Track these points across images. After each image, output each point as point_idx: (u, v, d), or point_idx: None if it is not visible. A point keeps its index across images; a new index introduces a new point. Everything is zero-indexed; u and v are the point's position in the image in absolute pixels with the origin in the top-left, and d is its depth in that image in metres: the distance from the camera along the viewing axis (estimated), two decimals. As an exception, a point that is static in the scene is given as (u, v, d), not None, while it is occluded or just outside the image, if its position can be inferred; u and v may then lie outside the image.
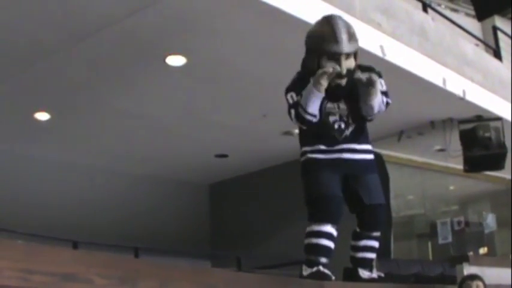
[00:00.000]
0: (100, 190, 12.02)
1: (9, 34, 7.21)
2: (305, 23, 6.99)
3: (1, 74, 8.26)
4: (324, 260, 4.53)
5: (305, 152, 4.72)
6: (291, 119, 4.60)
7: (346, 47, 4.49)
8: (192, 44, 7.64)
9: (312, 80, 4.45)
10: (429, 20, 9.45)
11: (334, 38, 4.47)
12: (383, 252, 10.34)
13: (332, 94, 4.57)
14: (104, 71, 8.33)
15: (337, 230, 4.56)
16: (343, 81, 4.56)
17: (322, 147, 4.62)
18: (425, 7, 9.81)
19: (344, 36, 4.48)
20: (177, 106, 9.55)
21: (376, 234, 4.82)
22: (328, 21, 4.61)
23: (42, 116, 9.64)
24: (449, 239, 12.63)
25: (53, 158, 11.33)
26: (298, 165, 4.80)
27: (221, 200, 13.86)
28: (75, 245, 8.19)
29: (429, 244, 14.05)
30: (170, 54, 7.89)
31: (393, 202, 11.45)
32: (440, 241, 12.70)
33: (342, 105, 4.66)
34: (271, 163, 12.35)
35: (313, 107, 4.45)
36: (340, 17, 4.67)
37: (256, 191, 13.02)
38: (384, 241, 10.46)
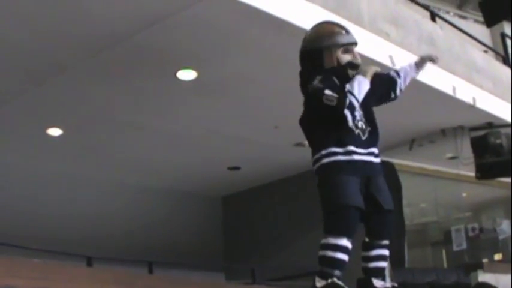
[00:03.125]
0: (113, 203, 12.06)
1: (23, 50, 7.27)
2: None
3: (14, 90, 8.32)
4: (337, 272, 4.50)
5: (319, 159, 4.61)
6: (320, 102, 4.48)
7: (355, 37, 4.77)
8: (203, 58, 7.68)
9: (361, 72, 4.63)
10: (437, 28, 9.48)
11: (346, 30, 4.75)
12: (397, 261, 10.36)
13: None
14: (116, 86, 8.38)
15: (352, 242, 4.53)
16: (354, 73, 4.66)
17: (334, 149, 4.58)
18: (433, 16, 9.84)
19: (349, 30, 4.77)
20: (188, 119, 9.60)
21: (386, 242, 4.78)
22: (327, 22, 4.93)
23: (55, 131, 9.71)
24: (464, 246, 12.60)
25: (65, 173, 11.39)
26: (310, 176, 4.75)
27: (234, 212, 13.88)
28: (89, 261, 8.20)
29: (443, 252, 14.02)
30: (181, 69, 7.94)
31: (406, 210, 11.45)
32: (455, 248, 12.67)
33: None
34: (283, 175, 12.38)
35: (361, 95, 4.57)
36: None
37: (268, 202, 13.03)
38: (398, 250, 10.48)
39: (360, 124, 4.64)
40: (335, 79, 4.60)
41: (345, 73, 4.65)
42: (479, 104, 9.63)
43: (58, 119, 9.36)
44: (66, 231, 10.92)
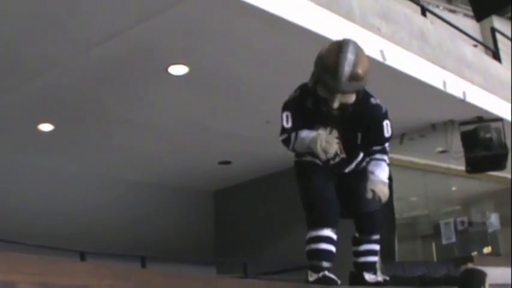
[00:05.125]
0: (105, 199, 12.08)
1: (14, 46, 7.28)
2: (306, 31, 7.11)
3: (6, 85, 8.32)
4: (326, 264, 4.55)
5: (299, 154, 4.72)
6: (280, 137, 4.63)
7: (344, 86, 4.27)
8: (194, 53, 7.70)
9: (313, 142, 4.38)
10: (428, 23, 9.51)
11: (335, 74, 4.25)
12: (387, 255, 10.40)
13: (323, 118, 4.54)
14: (107, 82, 8.39)
15: (336, 233, 4.58)
16: (335, 111, 4.42)
17: (317, 161, 4.64)
18: (424, 11, 9.88)
19: (345, 75, 4.23)
20: (180, 114, 9.61)
21: (376, 237, 4.85)
22: (338, 52, 4.30)
23: (46, 127, 9.72)
24: (453, 239, 12.64)
25: (57, 168, 11.41)
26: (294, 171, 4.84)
27: (225, 206, 13.91)
28: (82, 256, 8.23)
29: (433, 245, 14.07)
30: (172, 64, 7.96)
31: (396, 204, 11.48)
32: (444, 241, 12.72)
33: (335, 132, 4.59)
34: (274, 169, 12.38)
35: (301, 151, 4.57)
36: (353, 50, 4.33)
37: (260, 196, 13.06)
38: (388, 244, 10.52)
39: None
40: (309, 101, 4.54)
41: (318, 102, 4.49)
42: (470, 99, 9.67)
43: (49, 114, 9.36)
44: (58, 226, 10.92)
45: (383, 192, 4.46)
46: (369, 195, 4.45)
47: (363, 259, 4.86)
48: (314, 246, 4.56)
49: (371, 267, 4.90)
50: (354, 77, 4.25)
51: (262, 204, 12.98)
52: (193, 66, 8.04)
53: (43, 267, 2.39)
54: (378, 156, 4.61)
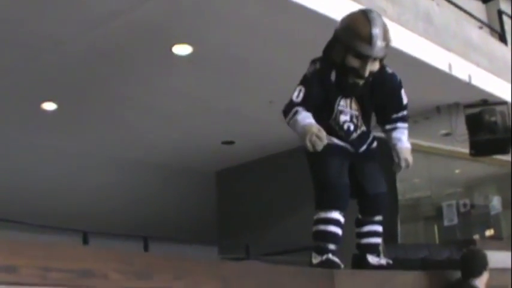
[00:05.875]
0: (107, 178, 12.08)
1: (17, 26, 7.23)
2: (311, 11, 7.07)
3: (9, 65, 8.28)
4: (332, 246, 4.56)
5: None
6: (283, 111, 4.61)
7: (378, 52, 4.38)
8: (198, 33, 7.65)
9: (303, 131, 4.37)
10: (434, 5, 9.44)
11: (369, 40, 4.33)
12: (390, 237, 10.40)
13: (347, 90, 4.56)
14: (111, 61, 8.35)
15: (344, 216, 4.59)
16: (361, 81, 4.50)
17: (334, 140, 4.60)
18: (430, -8, 9.79)
19: (379, 40, 4.35)
20: (183, 94, 9.57)
21: (379, 218, 4.83)
22: (368, 20, 4.40)
23: (49, 105, 9.69)
24: (455, 221, 12.65)
25: (60, 147, 11.39)
26: (303, 152, 4.79)
27: (228, 186, 13.90)
28: (85, 236, 8.23)
29: (435, 227, 14.09)
30: (176, 44, 7.92)
31: (399, 185, 11.46)
32: (446, 223, 12.73)
33: (354, 105, 4.63)
34: (278, 149, 12.37)
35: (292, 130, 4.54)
36: (379, 16, 4.51)
37: (263, 177, 13.06)
38: (391, 226, 10.51)
39: (347, 126, 4.62)
40: (332, 75, 4.55)
41: (345, 75, 4.52)
42: (475, 82, 9.62)
43: (53, 93, 9.33)
44: (60, 206, 10.93)
45: (411, 158, 4.64)
46: (403, 163, 4.61)
47: (365, 240, 4.85)
48: (322, 227, 4.55)
49: (374, 249, 4.89)
50: (386, 39, 4.43)
51: (266, 185, 12.97)
52: (197, 46, 8.00)
53: (45, 251, 2.38)
54: (400, 124, 4.73)
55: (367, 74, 4.43)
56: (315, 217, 4.60)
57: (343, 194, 4.55)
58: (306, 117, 4.41)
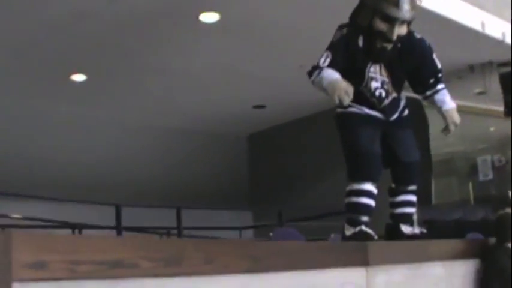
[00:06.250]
0: (138, 146, 12.15)
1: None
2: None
3: (37, 38, 8.33)
4: (365, 218, 4.50)
5: (348, 105, 4.62)
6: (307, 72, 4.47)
7: (405, 14, 4.26)
8: (225, 0, 7.60)
9: (329, 85, 4.22)
10: (466, -39, 9.26)
11: (396, 2, 4.23)
12: (424, 197, 10.35)
13: (376, 56, 4.49)
14: (138, 31, 8.36)
15: (376, 187, 4.54)
16: (389, 46, 4.43)
17: (364, 109, 4.53)
18: (462, -51, 9.60)
19: (406, 3, 4.23)
20: (212, 60, 9.56)
21: (412, 188, 4.76)
22: None
23: (78, 77, 9.74)
24: (490, 176, 12.54)
25: (90, 117, 11.48)
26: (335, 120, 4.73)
27: (260, 149, 13.92)
28: (117, 208, 8.26)
29: (470, 184, 13.98)
30: (203, 12, 7.88)
31: (432, 143, 11.38)
32: (481, 178, 12.62)
33: (384, 72, 4.56)
34: (309, 112, 12.32)
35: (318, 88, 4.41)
36: None
37: (295, 140, 13.05)
38: (425, 187, 10.45)
39: (378, 92, 4.54)
40: (360, 40, 4.48)
41: (372, 39, 4.40)
42: (509, 40, 9.45)
43: (81, 64, 9.38)
44: (92, 175, 11.05)
45: (458, 118, 4.57)
46: (452, 126, 4.53)
47: (399, 210, 4.78)
48: (354, 199, 4.49)
49: (408, 219, 4.82)
50: (413, 3, 4.28)
51: (297, 148, 12.96)
52: (224, 13, 7.97)
53: (74, 244, 2.36)
54: (439, 86, 4.62)
55: (395, 37, 4.32)
56: (347, 188, 4.54)
57: (375, 164, 4.48)
58: (332, 73, 4.35)
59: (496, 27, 9.22)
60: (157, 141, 12.49)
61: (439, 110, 4.59)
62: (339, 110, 4.59)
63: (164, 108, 11.57)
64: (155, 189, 11.42)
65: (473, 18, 8.86)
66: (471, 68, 10.46)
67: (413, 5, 4.30)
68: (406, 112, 4.71)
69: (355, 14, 4.54)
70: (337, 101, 4.19)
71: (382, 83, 4.54)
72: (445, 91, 4.64)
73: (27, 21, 7.76)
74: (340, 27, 4.57)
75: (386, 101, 4.55)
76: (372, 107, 4.53)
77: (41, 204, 9.01)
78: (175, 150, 12.56)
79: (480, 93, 11.37)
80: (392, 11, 4.25)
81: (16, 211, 9.47)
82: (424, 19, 7.73)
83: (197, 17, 7.97)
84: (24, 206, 9.20)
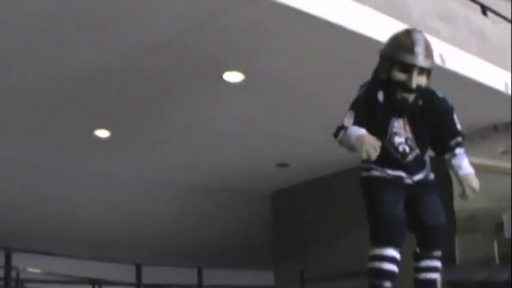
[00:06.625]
0: (162, 202, 12.15)
1: (71, 55, 7.35)
2: (363, 36, 7.00)
3: (62, 93, 8.40)
4: (387, 284, 4.43)
5: (369, 168, 4.54)
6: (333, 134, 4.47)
7: (421, 61, 4.32)
8: (250, 60, 7.66)
9: (357, 141, 4.23)
10: (489, 23, 9.29)
11: (411, 50, 4.32)
12: (447, 257, 10.22)
13: (397, 108, 4.48)
14: (163, 88, 8.41)
15: (400, 252, 4.47)
16: (411, 97, 4.44)
17: (387, 170, 4.52)
18: (484, 10, 9.62)
19: (421, 50, 4.32)
20: (236, 118, 9.59)
21: (437, 253, 4.69)
22: (409, 33, 4.46)
23: (103, 133, 9.81)
24: (516, 233, 12.46)
25: (113, 173, 11.50)
26: (358, 172, 4.70)
27: (283, 207, 13.87)
28: (138, 267, 8.23)
29: (495, 242, 13.84)
30: (227, 71, 7.94)
31: (457, 201, 11.28)
32: (507, 234, 12.53)
33: (408, 128, 4.53)
34: (332, 170, 12.30)
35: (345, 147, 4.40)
36: (421, 32, 4.51)
37: (318, 198, 13.00)
38: (449, 247, 10.33)
39: (402, 148, 4.52)
40: (380, 94, 4.49)
41: (392, 91, 4.43)
42: (532, 100, 9.43)
43: (105, 120, 9.44)
44: (115, 231, 11.04)
45: (477, 184, 4.44)
46: (469, 191, 4.40)
47: (423, 276, 4.71)
48: (377, 264, 4.43)
49: (432, 285, 4.75)
50: (428, 51, 4.37)
51: (320, 206, 12.91)
52: (248, 72, 8.00)
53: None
54: (458, 150, 4.54)
55: (414, 85, 4.34)
56: (370, 253, 4.48)
57: (399, 229, 4.42)
58: (358, 129, 4.35)
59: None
60: (179, 198, 12.48)
61: (456, 175, 4.54)
62: (364, 173, 4.59)
63: (187, 164, 11.57)
64: (177, 246, 11.37)
65: (497, 78, 8.85)
66: (495, 127, 10.43)
67: (429, 53, 4.39)
68: (432, 176, 4.66)
69: (375, 71, 4.59)
70: (365, 156, 4.19)
71: (406, 139, 4.52)
72: (463, 156, 4.57)
73: (52, 75, 7.83)
74: (362, 86, 4.60)
75: (410, 157, 4.51)
76: (395, 164, 4.49)
77: (62, 260, 9.00)
78: (198, 207, 12.54)
79: (504, 153, 11.32)
80: (408, 58, 4.32)
81: (36, 266, 9.49)
82: (449, 80, 7.82)
83: (221, 76, 8.01)
84: (45, 261, 9.20)
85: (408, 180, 4.53)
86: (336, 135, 4.47)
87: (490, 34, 9.08)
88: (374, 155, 4.18)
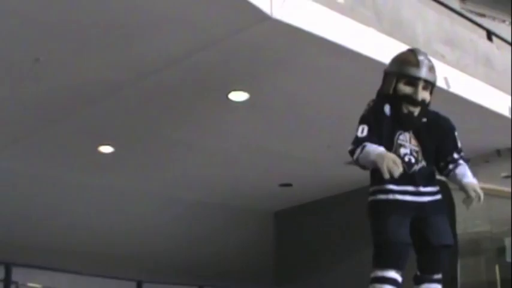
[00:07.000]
0: (164, 219, 12.12)
1: (76, 71, 7.36)
2: (369, 58, 7.03)
3: (67, 108, 8.42)
4: (388, 306, 4.45)
5: (374, 192, 4.57)
6: (350, 147, 4.51)
7: (426, 74, 4.50)
8: (255, 80, 7.69)
9: (378, 158, 4.29)
10: (494, 48, 9.33)
11: (416, 63, 4.52)
12: (450, 282, 10.21)
13: (404, 121, 4.53)
14: (167, 106, 8.43)
15: (402, 275, 4.47)
16: (416, 110, 4.49)
17: (391, 186, 4.52)
18: (489, 35, 9.66)
19: (425, 65, 4.53)
20: (240, 138, 9.61)
21: (437, 276, 4.69)
22: (412, 51, 4.71)
23: (106, 149, 9.82)
24: (518, 257, 12.45)
25: (117, 189, 11.46)
26: (363, 193, 4.71)
27: (286, 227, 13.85)
28: (139, 285, 8.23)
29: (496, 266, 13.81)
30: (233, 90, 7.97)
31: (458, 226, 11.29)
32: (509, 259, 12.52)
33: (413, 141, 4.58)
34: (336, 191, 12.30)
35: (364, 164, 4.45)
36: (423, 52, 4.72)
37: (321, 219, 12.99)
38: (451, 271, 10.31)
39: (408, 158, 4.53)
40: (386, 108, 4.54)
41: (399, 105, 4.53)
42: (536, 125, 9.44)
43: (110, 136, 9.45)
44: (117, 246, 11.04)
45: (480, 191, 4.47)
46: (473, 193, 4.40)
47: (423, 298, 4.72)
48: (378, 286, 4.44)
49: (431, 308, 4.75)
50: (431, 67, 4.58)
51: (323, 227, 12.90)
52: (253, 92, 8.03)
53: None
54: (461, 161, 4.63)
55: (420, 98, 4.48)
56: (372, 275, 4.48)
57: (402, 253, 4.42)
58: (377, 147, 4.39)
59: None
60: (182, 215, 12.45)
61: (460, 182, 4.54)
62: (370, 198, 4.61)
63: (190, 182, 11.57)
64: (178, 263, 11.37)
65: (500, 103, 8.88)
66: (498, 152, 10.46)
67: (432, 69, 4.61)
68: (439, 197, 4.66)
69: (381, 88, 4.66)
70: (387, 174, 4.23)
71: (411, 151, 4.56)
72: (466, 167, 4.62)
73: (57, 90, 7.82)
74: (369, 103, 4.65)
75: (416, 167, 4.54)
76: (401, 176, 4.47)
77: (62, 275, 9.01)
78: (200, 224, 12.52)
79: (506, 177, 11.34)
80: (413, 71, 4.50)
81: (36, 281, 9.48)
82: (452, 104, 7.83)
83: (226, 96, 8.05)
84: (45, 276, 9.20)
85: (416, 198, 4.52)
86: (352, 152, 4.50)
87: (494, 59, 9.12)
88: (397, 171, 4.23)
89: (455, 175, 4.58)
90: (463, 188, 4.50)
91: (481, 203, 4.46)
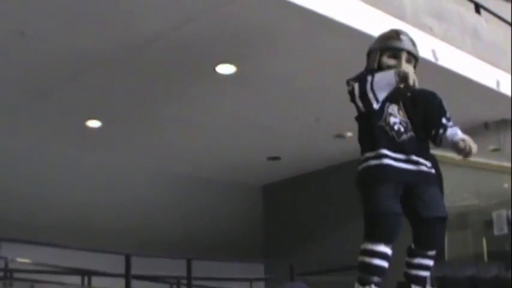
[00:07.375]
0: (152, 193, 12.12)
1: (63, 45, 7.33)
2: (355, 30, 7.01)
3: (54, 83, 8.40)
4: (376, 279, 4.43)
5: (367, 159, 4.51)
6: (352, 96, 4.49)
7: (408, 45, 4.63)
8: (242, 52, 7.66)
9: (394, 70, 4.42)
10: (482, 21, 9.31)
11: (398, 37, 4.67)
12: (437, 254, 10.25)
13: (391, 96, 4.52)
14: (155, 80, 8.40)
15: (392, 248, 4.45)
16: (401, 88, 4.45)
17: (385, 151, 4.50)
18: (477, 8, 9.64)
19: (407, 38, 4.67)
20: (228, 111, 9.59)
21: (432, 253, 4.68)
22: (394, 29, 4.90)
23: (94, 123, 9.80)
24: (506, 231, 12.46)
25: (104, 163, 11.52)
26: (351, 166, 4.71)
27: (274, 200, 13.88)
28: (127, 258, 8.23)
29: (484, 239, 13.87)
30: (220, 63, 7.93)
31: (446, 199, 11.31)
32: (496, 232, 12.55)
33: (402, 113, 4.58)
34: (324, 165, 12.31)
35: (381, 94, 4.41)
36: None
37: (309, 192, 13.00)
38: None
39: (397, 127, 4.53)
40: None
41: None
42: (524, 98, 9.45)
43: (97, 111, 9.43)
44: (105, 221, 11.03)
45: (473, 143, 4.53)
46: (462, 143, 4.46)
47: (414, 272, 4.68)
48: (368, 259, 4.40)
49: (421, 282, 4.74)
50: (413, 42, 4.72)
51: (311, 200, 12.91)
52: (241, 65, 8.01)
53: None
54: (450, 124, 4.64)
55: (405, 67, 4.52)
56: (362, 247, 4.44)
57: (393, 226, 4.38)
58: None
59: (510, 86, 9.22)
60: (170, 189, 12.48)
61: (452, 140, 4.52)
62: (361, 166, 4.56)
63: (178, 156, 11.57)
64: (167, 237, 11.36)
65: (488, 76, 8.88)
66: (486, 125, 10.45)
67: (414, 44, 4.73)
68: (433, 171, 4.65)
69: (366, 66, 4.74)
70: (412, 80, 4.32)
71: (401, 121, 4.55)
72: (457, 129, 4.61)
73: (44, 65, 7.82)
74: (347, 81, 4.62)
75: (405, 136, 4.53)
76: (392, 144, 4.47)
77: (51, 250, 9.00)
78: (189, 198, 12.53)
79: (494, 150, 11.34)
80: (396, 43, 4.63)
81: (25, 256, 9.48)
82: (440, 77, 7.84)
83: (214, 68, 8.02)
84: (34, 251, 9.20)
85: (408, 166, 4.50)
86: (362, 83, 4.44)
87: (482, 32, 9.11)
88: (411, 79, 4.32)
89: (446, 138, 4.56)
90: (455, 145, 4.49)
91: (474, 152, 4.50)
